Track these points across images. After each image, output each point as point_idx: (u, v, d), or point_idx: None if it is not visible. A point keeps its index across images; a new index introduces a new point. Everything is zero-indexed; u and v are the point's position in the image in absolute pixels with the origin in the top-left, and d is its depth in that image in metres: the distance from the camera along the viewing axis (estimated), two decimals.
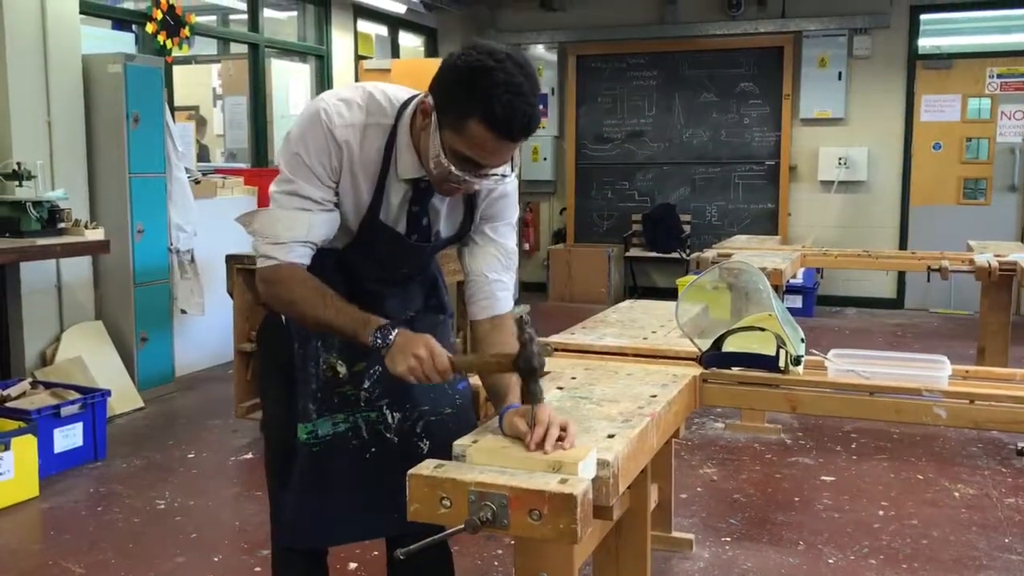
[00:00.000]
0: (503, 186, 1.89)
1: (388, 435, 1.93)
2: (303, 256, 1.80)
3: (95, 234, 4.67)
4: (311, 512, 1.92)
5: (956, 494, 3.80)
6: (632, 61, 8.97)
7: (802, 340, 2.36)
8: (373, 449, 1.93)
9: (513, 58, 1.66)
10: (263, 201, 5.76)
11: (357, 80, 7.90)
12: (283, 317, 1.95)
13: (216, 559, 3.21)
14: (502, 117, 1.60)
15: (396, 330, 1.71)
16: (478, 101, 1.60)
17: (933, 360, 2.35)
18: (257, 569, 3.09)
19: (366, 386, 1.93)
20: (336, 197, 1.81)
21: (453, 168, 1.68)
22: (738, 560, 3.20)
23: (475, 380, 2.15)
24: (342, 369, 1.91)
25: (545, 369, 1.71)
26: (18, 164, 4.47)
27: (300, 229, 1.78)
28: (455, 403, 1.99)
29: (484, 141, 1.63)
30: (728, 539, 3.37)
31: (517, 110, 1.61)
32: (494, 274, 1.94)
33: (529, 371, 1.65)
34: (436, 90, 1.69)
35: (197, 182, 5.71)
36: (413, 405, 1.94)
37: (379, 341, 1.70)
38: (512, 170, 1.75)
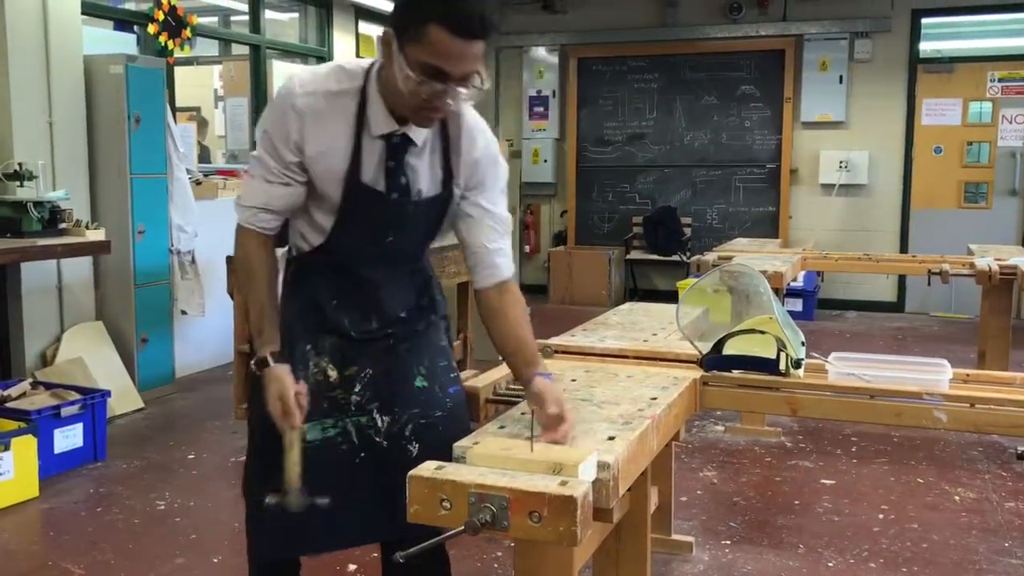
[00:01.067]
0: (486, 147, 1.92)
1: (378, 439, 1.92)
2: (265, 221, 1.89)
3: (96, 235, 4.68)
4: (301, 518, 1.87)
5: (956, 498, 3.80)
6: (633, 64, 8.98)
7: (802, 343, 2.36)
8: (363, 454, 1.92)
9: None
10: None
11: None
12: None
13: (216, 560, 3.21)
14: (458, 16, 1.64)
15: (269, 368, 1.83)
16: (433, 4, 1.64)
17: (934, 364, 2.36)
18: None
19: (357, 390, 1.93)
20: (299, 172, 1.85)
21: (422, 83, 1.68)
22: (738, 563, 3.20)
23: (471, 384, 2.15)
24: (333, 373, 1.92)
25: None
26: (19, 164, 4.47)
27: (259, 196, 1.88)
28: (446, 406, 1.98)
29: (445, 44, 1.65)
30: (728, 542, 3.37)
31: (471, 7, 1.65)
32: (493, 244, 1.94)
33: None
34: (393, 15, 1.74)
35: (198, 183, 5.71)
36: (403, 408, 1.93)
37: (254, 367, 1.86)
38: (483, 83, 1.75)
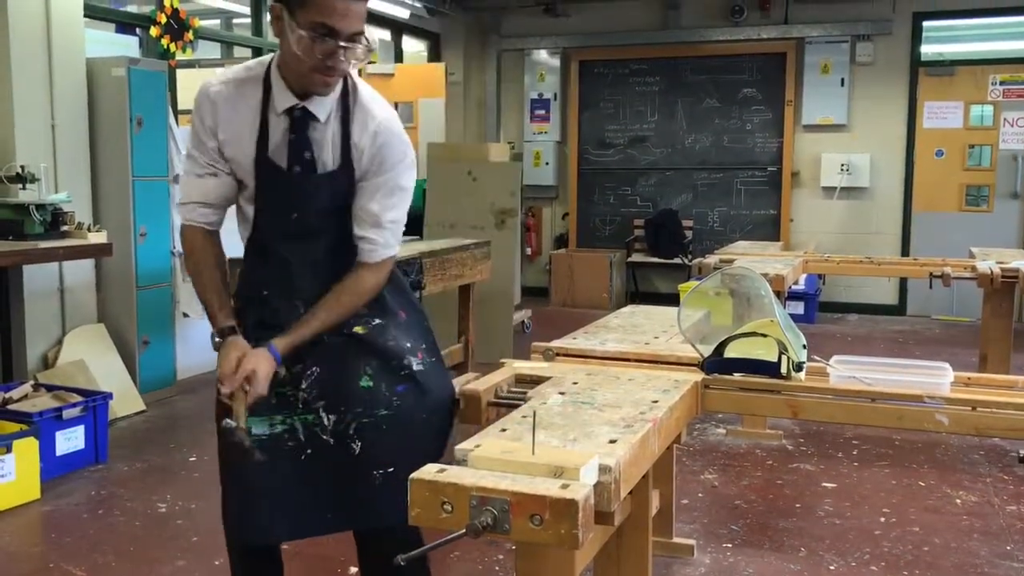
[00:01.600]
0: (384, 120, 1.99)
1: (324, 436, 1.97)
2: (205, 215, 2.04)
3: (98, 237, 4.68)
4: (247, 508, 1.96)
5: (958, 501, 3.80)
6: (635, 66, 8.98)
7: (804, 346, 2.36)
8: (309, 450, 1.97)
9: None
10: None
11: None
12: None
13: (217, 563, 3.20)
14: None
15: (227, 340, 1.94)
16: None
17: (935, 367, 2.35)
18: None
19: (303, 387, 1.97)
20: (222, 161, 1.99)
21: (314, 40, 1.82)
22: (739, 566, 3.19)
23: (472, 386, 2.15)
24: (281, 370, 1.95)
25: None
26: (22, 167, 4.48)
27: (194, 192, 2.03)
28: (392, 404, 2.00)
29: (330, 3, 1.80)
30: (729, 545, 3.37)
31: None
32: (362, 231, 2.02)
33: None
34: None
35: None
36: (348, 407, 1.97)
37: (215, 341, 1.96)
38: (369, 45, 1.90)
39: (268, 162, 1.96)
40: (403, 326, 2.09)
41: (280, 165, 1.96)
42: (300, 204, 1.99)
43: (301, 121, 1.95)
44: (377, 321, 2.05)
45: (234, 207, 2.10)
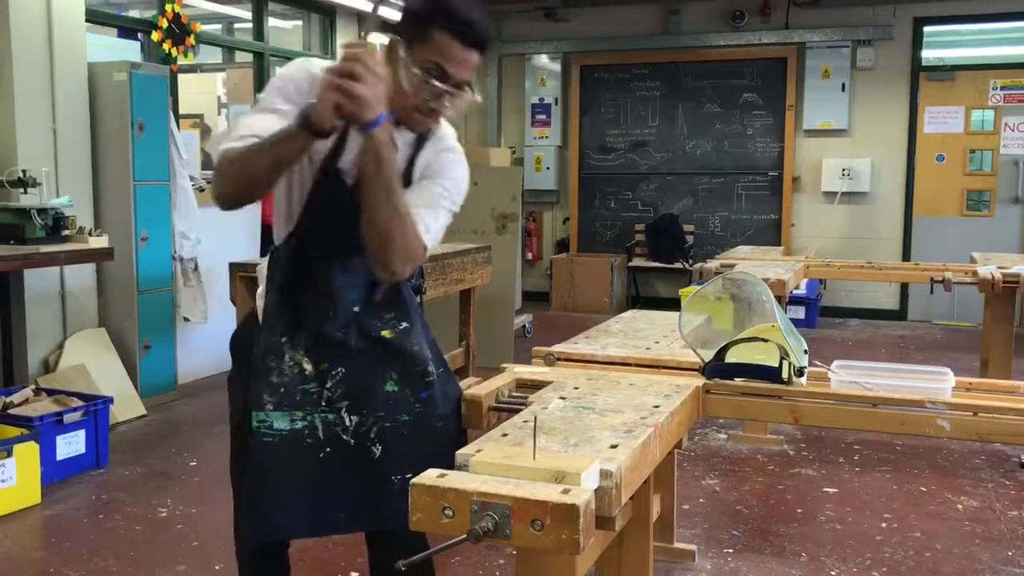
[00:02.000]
0: (446, 149, 1.99)
1: (345, 437, 1.96)
2: None
3: (99, 241, 4.68)
4: (262, 506, 1.95)
5: (959, 507, 3.79)
6: (636, 71, 8.99)
7: (805, 351, 2.36)
8: (328, 449, 1.96)
9: None
10: (267, 211, 5.77)
11: None
12: (259, 318, 2.00)
13: (217, 567, 3.20)
14: (462, 25, 1.83)
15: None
16: (438, 13, 1.83)
17: (936, 372, 2.35)
18: None
19: (329, 386, 1.96)
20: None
21: (425, 81, 1.82)
22: (740, 571, 3.19)
23: (473, 391, 2.15)
24: (308, 367, 1.95)
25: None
26: (23, 171, 4.48)
27: (261, 127, 1.80)
28: (414, 411, 1.99)
29: (449, 47, 1.83)
30: (730, 550, 3.36)
31: (474, 15, 1.84)
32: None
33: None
34: (402, 22, 1.90)
35: (201, 190, 5.72)
36: (370, 410, 1.96)
37: (304, 114, 1.70)
38: (474, 94, 1.90)
39: (336, 173, 1.92)
40: (422, 333, 2.09)
41: (345, 180, 1.91)
42: (350, 218, 1.93)
43: None
44: (404, 325, 2.04)
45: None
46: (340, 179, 1.91)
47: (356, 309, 1.98)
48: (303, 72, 1.89)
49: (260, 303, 2.03)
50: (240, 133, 1.83)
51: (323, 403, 1.97)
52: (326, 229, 1.95)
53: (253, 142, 1.78)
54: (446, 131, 2.04)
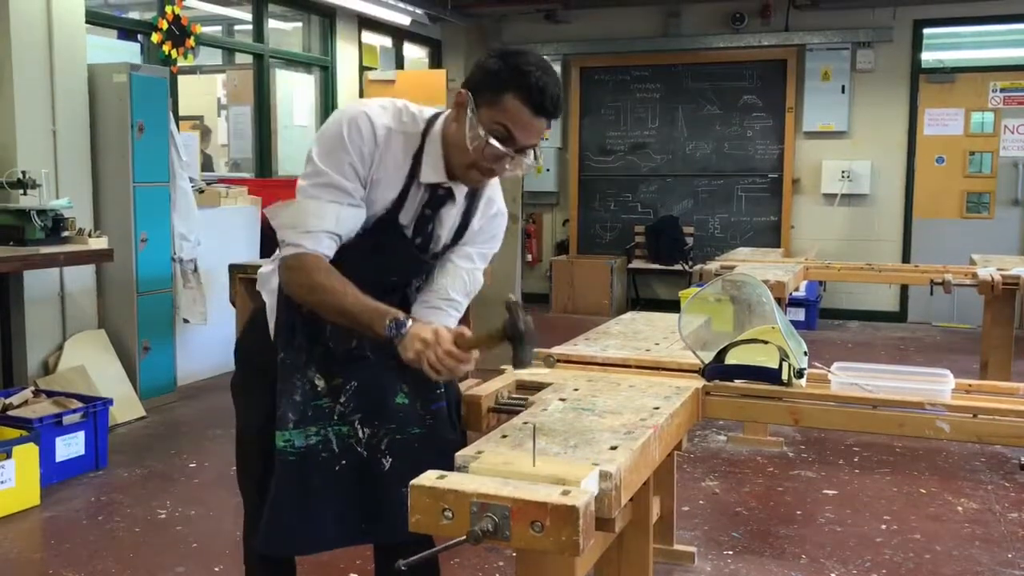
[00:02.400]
0: (496, 214, 2.05)
1: (359, 448, 1.97)
2: (329, 248, 1.88)
3: (99, 243, 4.68)
4: (288, 521, 1.94)
5: (959, 508, 3.79)
6: (636, 73, 9.00)
7: (805, 353, 2.36)
8: (344, 461, 1.97)
9: (535, 53, 1.87)
10: None
11: (361, 91, 7.95)
12: (268, 322, 2.01)
13: (217, 569, 3.20)
14: (535, 90, 1.78)
15: (410, 321, 1.80)
16: (514, 77, 1.79)
17: (936, 374, 2.35)
18: None
19: (342, 400, 1.97)
20: (364, 193, 1.89)
21: (492, 140, 1.80)
22: (740, 573, 3.19)
23: (473, 392, 2.14)
24: (320, 383, 1.97)
25: (533, 338, 1.83)
26: (23, 172, 4.49)
27: (329, 220, 1.85)
28: (425, 423, 2.00)
29: (519, 113, 1.79)
30: (730, 552, 3.36)
31: (548, 85, 1.80)
32: (455, 293, 2.03)
33: (515, 336, 1.77)
34: (473, 78, 1.86)
35: (201, 192, 5.72)
36: (382, 422, 1.97)
37: (393, 331, 1.77)
38: (537, 159, 1.88)
39: (397, 227, 1.94)
40: None
41: (406, 234, 1.95)
42: (404, 268, 2.02)
43: (441, 199, 1.95)
44: None
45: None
46: (402, 232, 1.94)
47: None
48: (365, 129, 1.86)
49: (271, 316, 2.03)
50: (308, 226, 1.85)
51: (335, 417, 1.98)
52: (366, 272, 1.94)
53: (333, 282, 1.82)
54: (496, 194, 2.06)
